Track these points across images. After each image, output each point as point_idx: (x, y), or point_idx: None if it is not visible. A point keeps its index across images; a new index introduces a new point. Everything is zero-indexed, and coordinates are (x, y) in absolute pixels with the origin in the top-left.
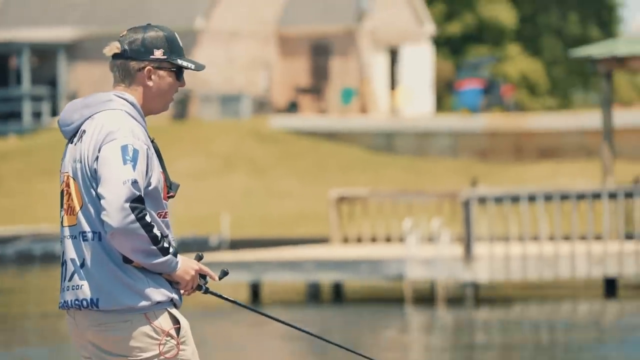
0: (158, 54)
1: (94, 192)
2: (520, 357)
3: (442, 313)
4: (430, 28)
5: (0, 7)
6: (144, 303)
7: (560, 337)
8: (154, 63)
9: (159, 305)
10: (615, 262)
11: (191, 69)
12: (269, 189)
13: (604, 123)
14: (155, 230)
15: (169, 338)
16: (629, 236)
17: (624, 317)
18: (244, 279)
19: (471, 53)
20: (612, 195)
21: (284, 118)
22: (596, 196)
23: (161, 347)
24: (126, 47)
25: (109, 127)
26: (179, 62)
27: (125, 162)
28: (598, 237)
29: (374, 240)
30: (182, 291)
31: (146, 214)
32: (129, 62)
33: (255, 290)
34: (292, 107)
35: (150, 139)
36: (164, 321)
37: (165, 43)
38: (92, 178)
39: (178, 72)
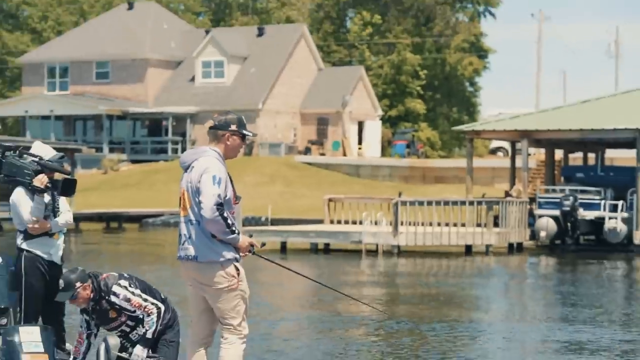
0: (233, 127)
1: (197, 199)
2: (417, 280)
3: (380, 260)
4: (379, 112)
5: (158, 93)
6: (220, 259)
7: (439, 271)
8: (230, 132)
9: (228, 261)
10: (471, 237)
11: (249, 136)
12: (293, 194)
13: (467, 165)
14: (229, 221)
15: (233, 278)
16: (479, 224)
17: (475, 266)
18: (277, 239)
19: (401, 126)
20: (471, 203)
21: (302, 157)
22: (462, 203)
23: (229, 282)
24: (216, 122)
25: (206, 165)
26: (244, 132)
27: (214, 184)
28: (463, 224)
29: (347, 222)
30: (240, 254)
31: (224, 211)
32: (218, 131)
33: (283, 246)
34: (307, 151)
35: (227, 173)
36: (230, 269)
37: (237, 121)
38: (196, 192)
39: (243, 137)
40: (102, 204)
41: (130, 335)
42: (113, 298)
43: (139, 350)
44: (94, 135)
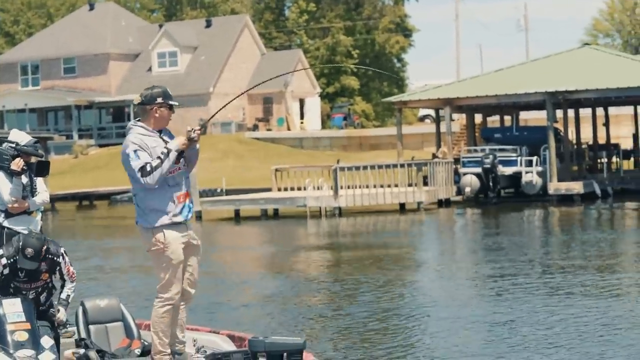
0: (159, 100)
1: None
2: (356, 236)
3: (323, 222)
4: (318, 89)
5: (120, 83)
6: (148, 225)
7: (379, 227)
8: (157, 104)
9: (156, 228)
10: (404, 196)
11: (176, 105)
12: (244, 167)
13: (397, 132)
14: (154, 164)
15: (160, 243)
16: (410, 184)
17: (409, 221)
18: (231, 208)
19: (338, 101)
20: (402, 165)
21: (251, 133)
22: (395, 166)
23: (156, 247)
24: (143, 98)
25: (123, 144)
26: (170, 102)
27: (130, 160)
28: (396, 185)
29: (292, 189)
30: (188, 144)
31: (147, 168)
32: (146, 106)
33: (237, 213)
34: (255, 127)
35: (157, 138)
36: (158, 235)
37: (162, 94)
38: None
39: (170, 107)
40: (75, 185)
41: (40, 296)
42: (59, 259)
43: (63, 314)
44: (65, 124)
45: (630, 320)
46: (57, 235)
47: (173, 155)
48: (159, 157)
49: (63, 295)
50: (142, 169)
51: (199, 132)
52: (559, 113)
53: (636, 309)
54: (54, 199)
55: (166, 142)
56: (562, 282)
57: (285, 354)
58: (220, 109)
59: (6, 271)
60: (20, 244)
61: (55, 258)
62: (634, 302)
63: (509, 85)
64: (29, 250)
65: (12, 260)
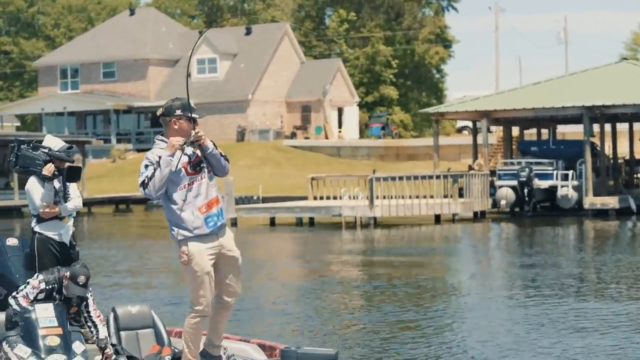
0: (178, 112)
1: None
2: (393, 246)
3: (359, 231)
4: (357, 98)
5: (159, 88)
6: (177, 237)
7: (415, 238)
8: (176, 117)
9: (181, 241)
10: (439, 207)
11: (197, 118)
12: (281, 174)
13: (434, 143)
14: (147, 175)
15: (184, 255)
16: (446, 196)
17: (446, 233)
18: (266, 215)
19: (376, 110)
20: (438, 177)
21: (289, 141)
22: (430, 177)
23: (181, 259)
24: (163, 110)
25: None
26: (189, 115)
27: (141, 172)
28: (431, 196)
29: (328, 198)
30: (176, 150)
31: (145, 182)
32: (165, 117)
33: (272, 221)
34: (293, 135)
35: (178, 150)
36: (183, 247)
37: (181, 106)
38: None
39: (190, 120)
40: (112, 189)
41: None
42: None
43: (110, 349)
44: (103, 128)
45: None
46: (93, 238)
47: (165, 162)
48: (153, 167)
49: (101, 336)
50: (142, 183)
51: (198, 134)
52: (596, 127)
53: None
54: (90, 202)
55: (188, 155)
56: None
57: None
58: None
59: (41, 296)
60: (68, 273)
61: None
62: None
63: (547, 99)
64: (82, 278)
65: (51, 286)
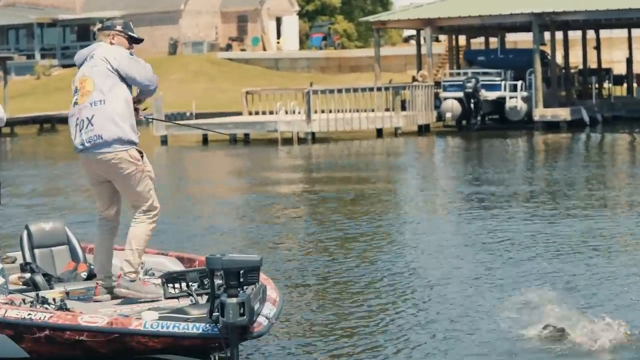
0: (118, 28)
1: (131, 75)
2: (332, 162)
3: (295, 147)
4: (296, 7)
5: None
6: (125, 138)
7: (355, 153)
8: (116, 32)
9: (132, 144)
10: (380, 121)
11: (137, 39)
12: (216, 89)
13: (375, 53)
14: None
15: (138, 161)
16: (387, 109)
17: (387, 147)
18: (199, 132)
19: (318, 20)
20: (379, 89)
21: (224, 53)
22: (371, 89)
23: (135, 166)
24: (103, 25)
25: (115, 50)
26: (130, 34)
27: (140, 60)
28: (372, 110)
29: (264, 113)
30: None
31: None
32: (105, 31)
33: (205, 138)
34: (229, 47)
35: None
36: (134, 152)
37: (122, 24)
38: (112, 71)
39: (129, 40)
40: (36, 108)
41: None
42: None
43: None
44: (26, 43)
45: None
46: (15, 159)
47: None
48: None
49: None
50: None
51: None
52: (547, 35)
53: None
54: (14, 122)
55: None
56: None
57: (241, 272)
58: None
59: None
60: None
61: None
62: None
63: (494, 5)
64: None
65: None
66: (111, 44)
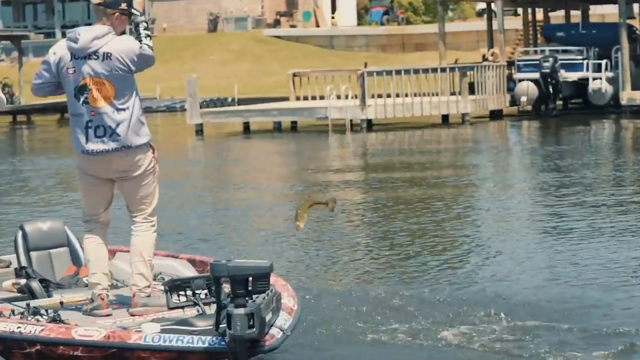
0: (124, 5)
1: (136, 59)
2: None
3: (349, 136)
4: None
5: None
6: (147, 139)
7: (417, 142)
8: (120, 10)
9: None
10: (445, 107)
11: (137, 15)
12: (262, 71)
13: (439, 29)
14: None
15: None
16: (453, 93)
17: (456, 134)
18: (239, 120)
19: None
20: (444, 70)
21: (271, 30)
22: (434, 70)
23: (153, 163)
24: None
25: (129, 43)
26: (132, 10)
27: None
28: (436, 94)
29: (314, 98)
30: None
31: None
32: (107, 9)
33: (247, 127)
34: (276, 23)
35: None
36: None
37: (127, 0)
38: (127, 66)
39: (129, 15)
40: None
41: None
42: None
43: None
44: (46, 19)
45: None
46: (34, 152)
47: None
48: None
49: None
50: None
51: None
52: (637, 8)
53: None
54: (30, 110)
55: None
56: None
57: (250, 279)
58: None
59: None
60: None
61: None
62: None
63: None
64: None
65: None
66: (112, 25)
